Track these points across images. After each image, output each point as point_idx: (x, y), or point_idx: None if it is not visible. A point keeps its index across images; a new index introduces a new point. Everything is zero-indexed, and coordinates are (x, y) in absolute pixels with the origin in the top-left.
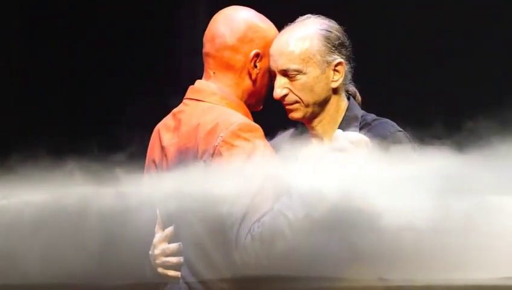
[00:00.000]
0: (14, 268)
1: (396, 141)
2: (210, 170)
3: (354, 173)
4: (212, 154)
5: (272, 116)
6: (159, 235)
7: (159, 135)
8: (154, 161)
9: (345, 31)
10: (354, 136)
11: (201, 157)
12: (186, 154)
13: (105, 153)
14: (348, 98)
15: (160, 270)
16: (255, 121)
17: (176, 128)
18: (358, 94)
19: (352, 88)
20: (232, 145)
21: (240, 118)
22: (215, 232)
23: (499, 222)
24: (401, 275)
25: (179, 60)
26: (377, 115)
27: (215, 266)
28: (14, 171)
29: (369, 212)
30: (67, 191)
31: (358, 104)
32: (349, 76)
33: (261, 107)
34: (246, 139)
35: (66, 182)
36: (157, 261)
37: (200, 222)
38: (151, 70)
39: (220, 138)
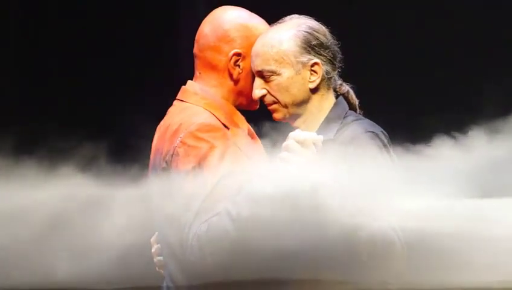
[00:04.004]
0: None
1: (362, 142)
2: (168, 172)
3: (295, 171)
4: (172, 155)
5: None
6: (156, 234)
7: (155, 135)
8: (150, 161)
9: (331, 32)
10: (301, 135)
11: (164, 158)
12: (156, 155)
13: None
14: (337, 98)
15: (157, 268)
16: (259, 119)
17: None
18: (352, 94)
19: (344, 88)
20: (189, 146)
21: (202, 118)
22: (180, 234)
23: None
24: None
25: (179, 60)
26: None
27: (184, 268)
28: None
29: (315, 211)
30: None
31: (353, 104)
32: (335, 76)
33: (257, 106)
34: (202, 139)
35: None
36: (154, 260)
37: (166, 225)
38: (151, 70)
39: (179, 138)
